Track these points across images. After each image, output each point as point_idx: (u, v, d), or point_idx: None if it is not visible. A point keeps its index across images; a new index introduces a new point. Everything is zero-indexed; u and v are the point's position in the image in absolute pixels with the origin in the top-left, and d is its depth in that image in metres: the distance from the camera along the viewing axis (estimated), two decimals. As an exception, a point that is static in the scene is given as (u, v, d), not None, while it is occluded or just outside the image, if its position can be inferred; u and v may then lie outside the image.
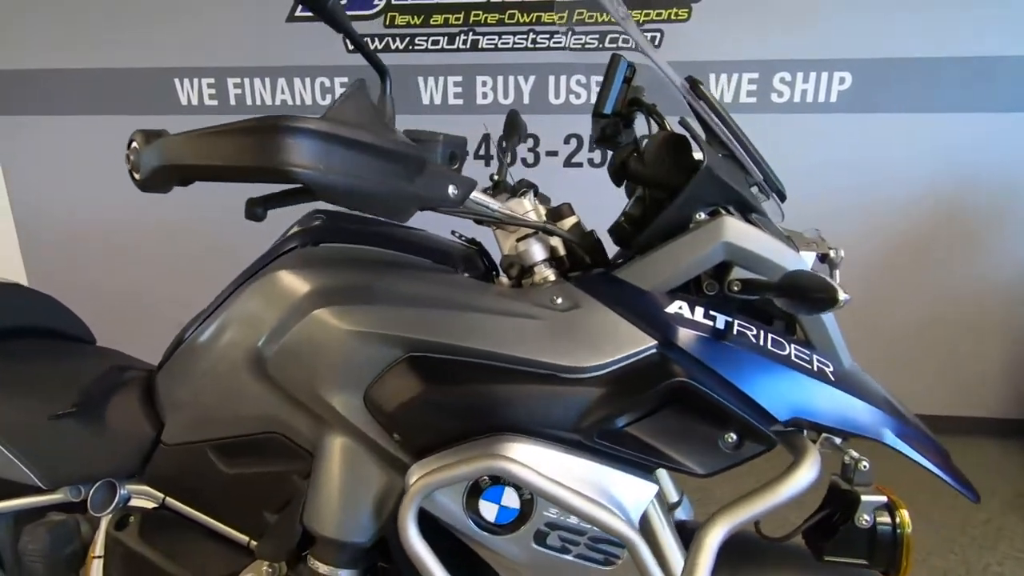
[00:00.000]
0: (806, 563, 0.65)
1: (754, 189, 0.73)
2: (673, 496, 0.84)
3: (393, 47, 2.32)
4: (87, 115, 2.52)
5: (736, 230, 0.59)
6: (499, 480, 0.53)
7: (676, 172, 0.60)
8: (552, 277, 0.66)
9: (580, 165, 2.37)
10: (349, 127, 0.40)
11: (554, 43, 2.26)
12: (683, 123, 0.63)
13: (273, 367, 0.64)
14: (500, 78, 2.30)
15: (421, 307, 0.60)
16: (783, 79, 2.18)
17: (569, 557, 0.55)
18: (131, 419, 0.79)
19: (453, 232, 0.85)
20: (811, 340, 0.62)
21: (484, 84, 2.32)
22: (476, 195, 0.65)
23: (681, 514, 0.84)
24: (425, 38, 2.29)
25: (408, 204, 0.47)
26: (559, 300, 0.61)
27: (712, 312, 0.59)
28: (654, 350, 0.57)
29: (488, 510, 0.54)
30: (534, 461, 0.53)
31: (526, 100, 2.32)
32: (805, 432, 0.61)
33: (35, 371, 0.86)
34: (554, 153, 2.36)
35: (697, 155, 0.59)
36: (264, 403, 0.67)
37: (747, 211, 0.62)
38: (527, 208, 0.73)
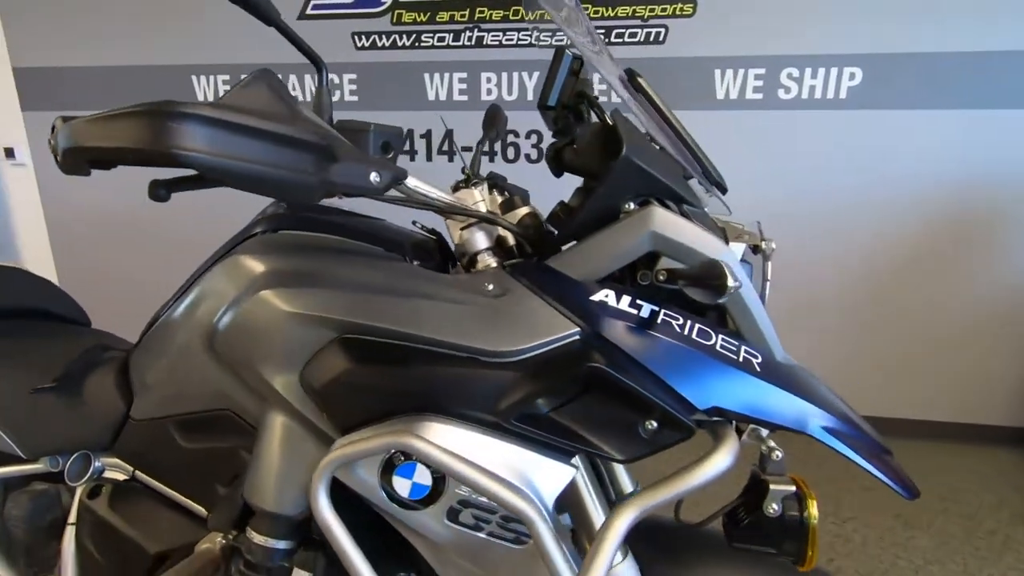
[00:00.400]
0: (719, 549, 0.66)
1: (701, 186, 0.73)
2: (628, 487, 0.84)
3: (400, 44, 2.36)
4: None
5: (663, 220, 0.59)
6: (411, 457, 0.55)
7: (605, 162, 0.60)
8: (494, 265, 0.67)
9: (583, 161, 2.36)
10: (239, 113, 0.43)
11: (556, 40, 2.25)
12: (614, 114, 0.64)
13: (221, 345, 0.67)
14: (504, 74, 2.32)
15: (356, 291, 0.63)
16: (791, 75, 2.14)
17: (482, 535, 0.56)
18: (105, 395, 0.83)
19: (414, 223, 0.87)
20: (741, 332, 0.62)
21: (489, 80, 2.34)
22: (416, 183, 0.67)
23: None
24: (431, 35, 2.32)
25: (312, 190, 0.49)
26: (490, 287, 0.62)
27: (638, 301, 0.60)
28: (577, 337, 0.58)
29: (401, 486, 0.56)
30: (448, 441, 0.54)
31: (530, 96, 2.33)
32: (734, 424, 0.61)
33: (23, 348, 0.92)
34: (557, 149, 2.36)
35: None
36: (216, 381, 0.70)
37: (678, 202, 0.63)
38: (476, 199, 0.74)
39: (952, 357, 2.30)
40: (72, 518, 0.82)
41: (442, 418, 0.56)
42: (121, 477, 0.82)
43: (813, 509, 0.57)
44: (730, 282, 0.48)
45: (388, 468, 0.56)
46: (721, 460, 0.55)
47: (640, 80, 0.71)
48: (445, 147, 2.45)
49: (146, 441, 0.79)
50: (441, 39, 2.32)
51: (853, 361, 2.38)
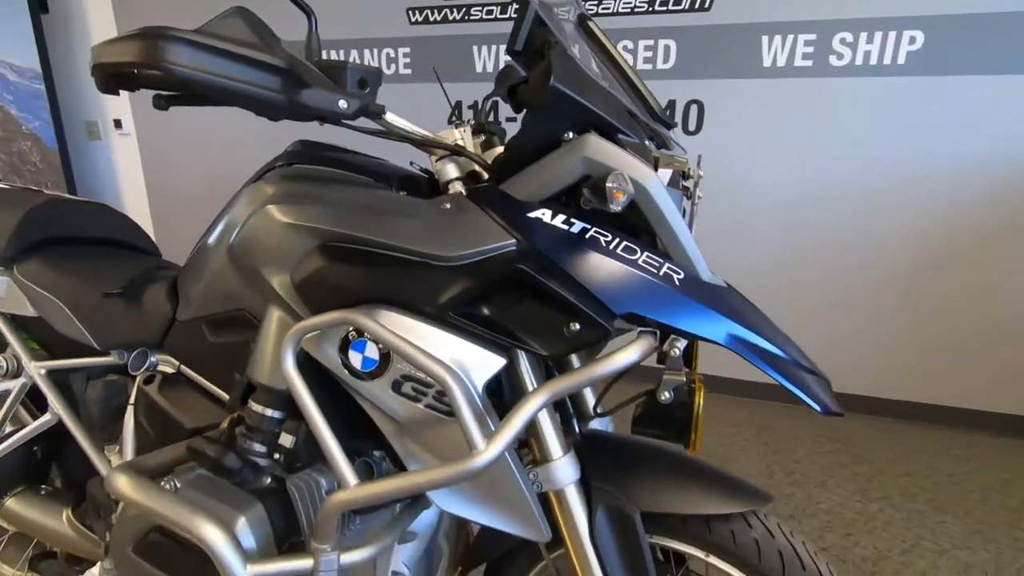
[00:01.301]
0: (650, 457, 0.73)
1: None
2: (590, 402, 0.92)
3: (451, 18, 2.47)
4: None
5: (595, 146, 0.66)
6: (363, 335, 0.67)
7: (543, 93, 0.68)
8: (461, 191, 0.77)
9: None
10: (217, 38, 0.54)
11: (603, 9, 2.28)
12: (552, 51, 0.70)
13: (236, 254, 0.81)
14: (549, 45, 2.37)
15: (338, 208, 0.74)
16: (844, 40, 2.05)
17: (420, 405, 0.67)
18: (159, 303, 1.01)
19: (412, 163, 0.98)
20: (668, 252, 0.68)
21: (533, 52, 2.40)
22: (395, 119, 0.78)
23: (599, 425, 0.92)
24: (480, 8, 2.41)
25: (280, 107, 0.60)
26: (447, 206, 0.72)
27: (572, 219, 0.67)
28: (513, 247, 0.67)
29: (355, 359, 0.68)
30: (394, 324, 0.65)
31: (573, 67, 2.38)
32: (658, 334, 0.67)
33: (101, 264, 1.12)
34: (599, 119, 2.40)
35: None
36: (234, 286, 0.85)
37: (614, 132, 0.69)
38: (456, 137, 0.84)
39: (1008, 346, 2.15)
40: (132, 400, 1.01)
41: (394, 308, 0.67)
42: (169, 370, 0.99)
43: (699, 398, 0.63)
44: (607, 184, 0.55)
45: (345, 345, 0.68)
46: (628, 355, 0.63)
47: (590, 23, 0.78)
48: (493, 118, 2.54)
49: (186, 339, 0.95)
50: (489, 12, 2.41)
51: (901, 345, 2.27)
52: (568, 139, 0.69)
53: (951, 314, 2.19)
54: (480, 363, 0.67)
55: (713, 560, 0.77)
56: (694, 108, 2.28)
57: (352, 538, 0.75)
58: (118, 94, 0.60)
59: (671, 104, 2.30)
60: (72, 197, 1.27)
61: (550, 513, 0.76)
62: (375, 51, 2.61)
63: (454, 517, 0.96)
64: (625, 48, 2.29)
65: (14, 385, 1.10)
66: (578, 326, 0.65)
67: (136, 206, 3.32)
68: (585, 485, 0.77)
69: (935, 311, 2.20)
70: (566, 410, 0.91)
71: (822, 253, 2.29)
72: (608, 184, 0.57)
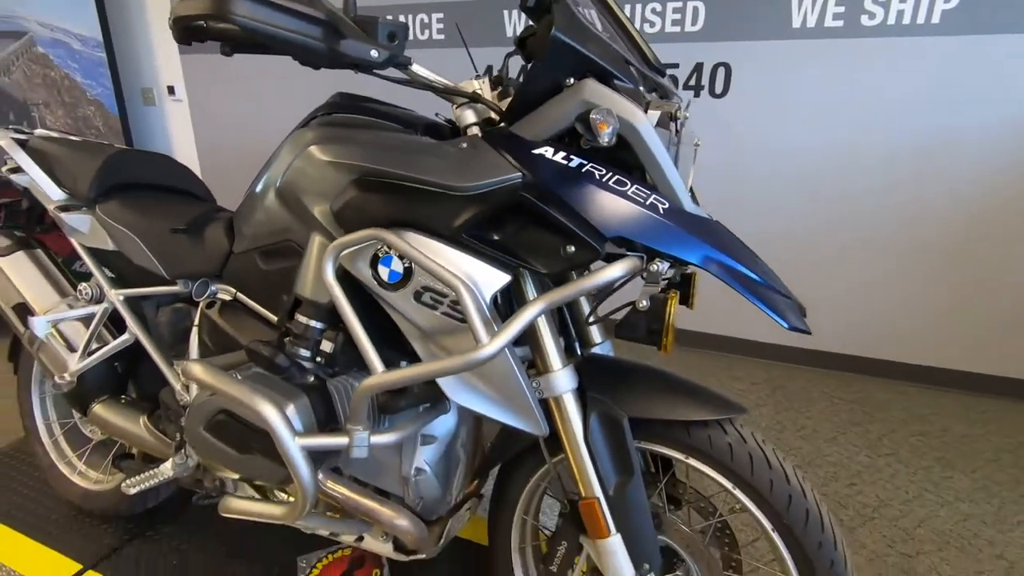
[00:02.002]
0: (639, 376, 0.84)
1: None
2: (597, 339, 1.02)
3: (483, -17, 2.52)
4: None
5: (592, 90, 0.75)
6: (389, 251, 0.79)
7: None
8: (477, 133, 0.87)
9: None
10: None
11: (631, -29, 2.30)
12: (556, 3, 0.78)
13: (284, 191, 0.94)
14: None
15: (370, 148, 0.86)
16: (876, -1, 2.03)
17: (437, 312, 0.79)
18: (218, 238, 1.15)
19: (436, 114, 1.08)
20: (656, 185, 0.77)
21: (563, 15, 2.44)
22: (420, 70, 0.88)
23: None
24: (512, -28, 2.46)
25: (322, 55, 0.71)
26: (464, 145, 0.82)
27: (571, 156, 0.77)
28: (519, 179, 0.77)
29: (383, 272, 0.80)
30: (416, 243, 0.77)
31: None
32: (646, 259, 0.77)
33: (169, 207, 1.27)
34: (626, 83, 2.44)
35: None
36: (282, 220, 0.98)
37: (610, 79, 0.78)
38: (475, 87, 0.94)
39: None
40: (196, 323, 1.17)
41: (417, 230, 0.79)
42: (227, 297, 1.14)
43: (671, 307, 0.73)
44: (591, 116, 0.65)
45: (375, 261, 0.80)
46: (614, 271, 0.73)
47: (590, -22, 0.85)
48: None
49: (241, 269, 1.10)
50: (520, -24, 2.45)
51: (927, 311, 2.28)
52: (569, 84, 0.78)
53: (980, 282, 2.18)
54: (488, 278, 0.78)
55: (692, 462, 0.87)
56: (721, 71, 2.29)
57: (381, 429, 0.88)
58: (190, 44, 0.72)
59: (698, 67, 2.32)
60: (141, 150, 1.43)
61: (551, 419, 0.88)
62: (409, 16, 2.69)
63: (470, 428, 1.09)
64: (653, 10, 2.31)
65: (98, 309, 1.28)
66: (573, 248, 0.76)
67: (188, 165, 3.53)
68: (582, 397, 0.88)
69: (964, 279, 2.20)
70: (570, 336, 1.02)
71: (850, 219, 2.30)
72: (592, 116, 0.67)
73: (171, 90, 3.45)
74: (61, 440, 1.57)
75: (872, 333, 2.39)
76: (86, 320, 1.28)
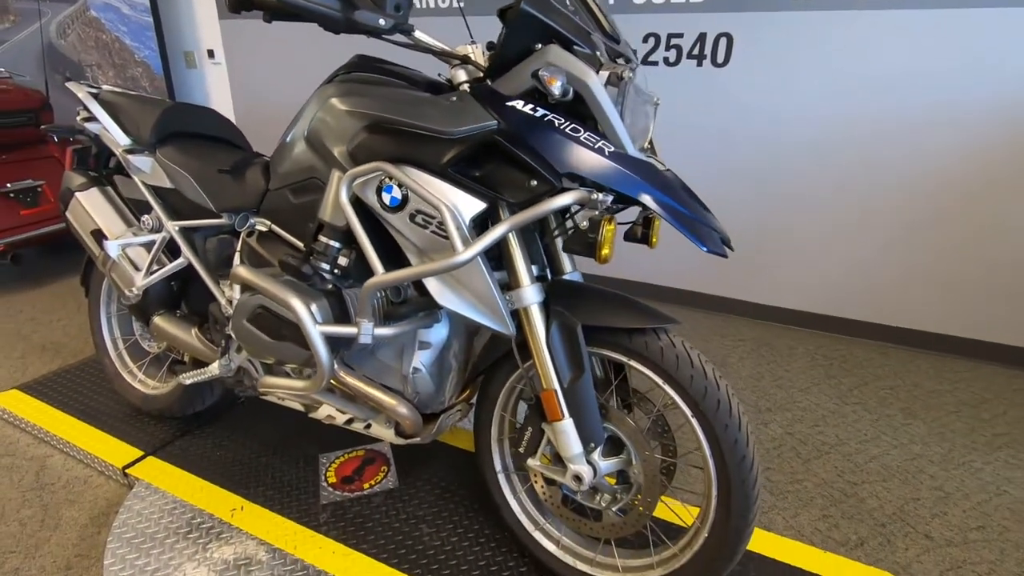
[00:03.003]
0: (597, 297, 1.05)
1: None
2: (567, 267, 1.22)
3: (501, -47, 2.65)
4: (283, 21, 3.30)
5: (555, 54, 0.93)
6: (391, 180, 1.00)
7: (519, 14, 0.95)
8: (466, 88, 1.06)
9: (655, 63, 2.55)
10: None
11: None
12: None
13: (311, 136, 1.15)
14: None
15: (379, 99, 1.06)
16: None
17: (427, 231, 1.00)
18: (257, 177, 1.37)
19: (439, 74, 1.27)
20: (604, 133, 0.96)
21: (575, -15, 2.57)
22: (422, 35, 1.07)
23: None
24: (528, -57, 2.58)
25: (339, 22, 0.91)
26: (454, 98, 1.02)
27: (537, 107, 0.96)
28: (494, 125, 0.96)
29: (386, 198, 1.01)
30: (412, 174, 0.98)
31: (612, 1, 2.53)
32: (597, 196, 0.96)
33: (216, 152, 1.50)
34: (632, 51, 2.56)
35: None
36: (308, 160, 1.19)
37: (570, 45, 0.95)
38: (468, 51, 1.12)
39: (1010, 280, 2.24)
40: (238, 250, 1.41)
41: (412, 165, 1.00)
42: (264, 228, 1.37)
43: (604, 226, 0.92)
44: (546, 74, 0.83)
45: (379, 190, 1.01)
46: (565, 198, 0.92)
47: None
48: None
49: (275, 204, 1.32)
50: (536, -53, 2.58)
51: (916, 276, 2.40)
52: (537, 49, 0.96)
53: (971, 249, 2.29)
54: (467, 204, 0.98)
55: (633, 363, 1.07)
56: (723, 41, 2.40)
57: (383, 324, 1.11)
58: (239, 13, 0.92)
59: (701, 37, 2.43)
60: (191, 103, 1.66)
61: (521, 327, 1.09)
62: (432, -15, 2.84)
63: (462, 342, 1.31)
64: (661, -19, 2.42)
65: (157, 237, 1.53)
66: (535, 182, 0.95)
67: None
68: (547, 309, 1.08)
69: (957, 246, 2.30)
70: (543, 266, 1.22)
71: (849, 187, 2.41)
72: (541, 72, 0.85)
73: (211, 53, 3.68)
74: (124, 353, 1.85)
75: (862, 295, 2.53)
76: (148, 246, 1.53)
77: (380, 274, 1.02)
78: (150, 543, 1.35)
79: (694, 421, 1.03)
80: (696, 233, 0.94)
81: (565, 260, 1.22)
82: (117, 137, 1.52)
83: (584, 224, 0.93)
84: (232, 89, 3.67)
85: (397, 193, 1.01)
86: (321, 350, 1.06)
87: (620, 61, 1.03)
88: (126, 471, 1.60)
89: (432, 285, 1.03)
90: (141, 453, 1.66)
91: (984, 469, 1.77)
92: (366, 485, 1.54)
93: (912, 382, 2.25)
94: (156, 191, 1.52)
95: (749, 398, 2.11)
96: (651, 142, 1.14)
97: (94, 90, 1.59)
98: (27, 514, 1.51)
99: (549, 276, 1.20)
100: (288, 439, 1.73)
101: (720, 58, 2.43)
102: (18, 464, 1.70)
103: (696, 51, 2.46)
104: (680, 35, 2.46)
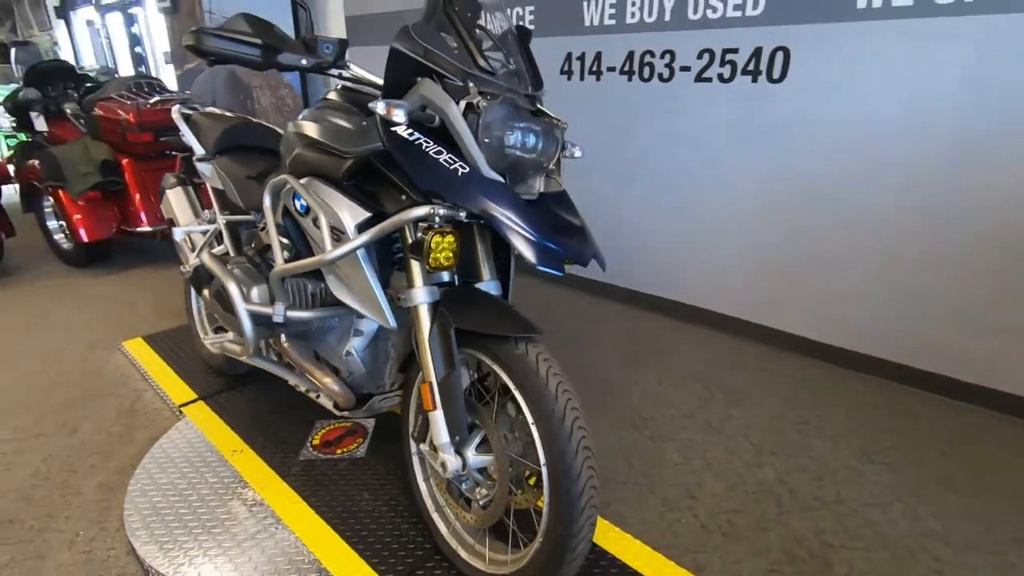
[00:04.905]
0: (484, 301, 1.16)
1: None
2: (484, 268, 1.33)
3: (568, -24, 2.77)
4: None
5: (426, 86, 1.07)
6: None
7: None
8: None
9: (709, 80, 2.46)
10: (226, 30, 1.09)
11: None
12: (406, 25, 1.10)
13: (281, 148, 1.43)
14: (647, -3, 2.54)
15: (315, 124, 1.29)
16: (953, -26, 1.84)
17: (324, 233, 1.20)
18: (271, 184, 1.69)
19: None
20: (464, 155, 1.06)
21: (633, 4, 2.59)
22: (355, 69, 1.28)
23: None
24: (591, -34, 2.67)
25: (259, 65, 1.14)
26: (364, 123, 1.20)
27: (413, 132, 1.10)
28: (380, 147, 1.13)
29: (298, 204, 1.23)
30: (317, 186, 1.19)
31: (667, 17, 2.51)
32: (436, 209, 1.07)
33: (253, 161, 1.85)
34: (687, 68, 2.51)
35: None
36: (281, 169, 1.47)
37: (441, 79, 1.08)
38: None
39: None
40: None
41: (320, 178, 1.20)
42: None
43: (435, 236, 1.02)
44: (396, 116, 0.98)
45: (295, 197, 1.24)
46: (416, 212, 1.06)
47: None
48: (594, 68, 2.82)
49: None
50: (598, -31, 2.65)
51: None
52: (416, 81, 1.10)
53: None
54: (354, 212, 1.16)
55: (495, 367, 1.16)
56: (779, 55, 2.25)
57: (298, 308, 1.35)
58: (197, 59, 1.21)
59: (757, 51, 2.30)
60: (255, 120, 2.05)
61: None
62: (508, 10, 3.05)
63: (401, 333, 1.47)
64: (716, -4, 2.35)
65: (213, 227, 1.93)
66: (404, 196, 1.10)
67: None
68: (438, 311, 1.21)
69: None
70: (453, 273, 1.33)
71: (926, 216, 2.11)
72: (380, 104, 1.00)
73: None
74: (204, 319, 2.33)
75: (942, 345, 2.17)
76: (204, 233, 1.95)
77: (279, 265, 1.24)
78: (170, 465, 1.73)
79: (534, 428, 1.08)
80: (527, 247, 1.01)
81: (484, 270, 1.32)
82: (195, 148, 1.95)
83: (418, 236, 1.05)
84: (352, 106, 4.26)
85: (303, 202, 1.23)
86: (246, 323, 1.32)
87: (492, 90, 1.12)
88: (181, 409, 2.03)
89: (329, 279, 1.22)
90: (195, 397, 2.10)
91: (1018, 566, 1.47)
92: (339, 451, 1.79)
93: (977, 451, 1.90)
94: (215, 191, 1.92)
95: (753, 437, 1.96)
96: (558, 162, 1.22)
97: (188, 111, 2.06)
98: (115, 430, 2.01)
99: (456, 280, 1.32)
100: (298, 404, 2.04)
101: (776, 73, 2.28)
102: (124, 393, 2.24)
103: (752, 66, 2.34)
104: (735, 50, 2.36)
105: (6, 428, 2.02)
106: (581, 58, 2.85)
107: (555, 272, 1.01)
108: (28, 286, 3.44)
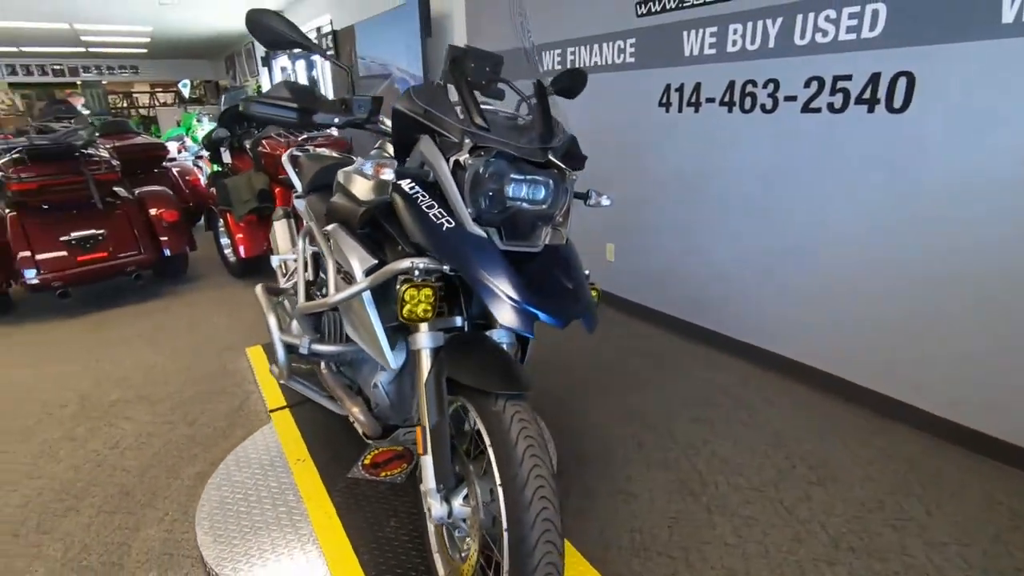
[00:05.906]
0: (481, 346, 1.17)
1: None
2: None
3: (668, 7, 2.67)
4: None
5: (424, 144, 1.12)
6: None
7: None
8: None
9: (818, 111, 2.20)
10: (270, 96, 1.23)
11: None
12: (412, 87, 1.15)
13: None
14: (750, 23, 2.35)
15: (352, 174, 1.40)
16: None
17: (339, 275, 1.29)
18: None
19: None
20: (452, 209, 1.09)
21: (735, 32, 2.41)
22: (387, 122, 1.38)
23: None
24: (692, -6, 2.55)
25: (296, 125, 1.26)
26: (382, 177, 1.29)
27: (415, 186, 1.15)
28: (387, 200, 1.20)
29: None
30: (337, 233, 1.29)
31: (771, 44, 2.29)
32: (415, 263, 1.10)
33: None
34: (792, 98, 2.27)
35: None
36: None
37: (438, 136, 1.11)
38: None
39: None
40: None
41: (340, 225, 1.31)
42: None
43: (408, 288, 1.04)
44: (384, 175, 1.03)
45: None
46: (402, 264, 1.10)
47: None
48: (693, 99, 2.67)
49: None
50: (699, -2, 2.52)
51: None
52: (419, 139, 1.16)
53: None
54: (362, 257, 1.24)
55: (477, 421, 1.14)
56: (902, 81, 1.93)
57: (324, 342, 1.46)
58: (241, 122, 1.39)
59: (874, 78, 2.00)
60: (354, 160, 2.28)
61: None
62: (610, 44, 3.02)
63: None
64: (827, 18, 2.09)
65: (299, 256, 2.18)
66: (400, 247, 1.16)
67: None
68: (438, 357, 1.24)
69: None
70: (457, 313, 1.34)
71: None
72: (367, 163, 1.06)
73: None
74: (304, 334, 2.63)
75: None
76: (294, 261, 2.21)
77: (300, 303, 1.36)
78: (246, 464, 1.97)
79: (500, 490, 1.05)
80: (499, 310, 1.00)
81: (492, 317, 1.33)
82: (297, 186, 2.23)
83: (397, 288, 1.08)
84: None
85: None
86: (280, 351, 1.46)
87: (489, 145, 1.12)
88: (270, 413, 2.30)
89: (344, 319, 1.32)
90: (284, 404, 2.36)
91: None
92: (383, 473, 1.89)
93: (796, 428, 1.42)
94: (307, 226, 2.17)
95: (831, 526, 1.68)
96: (566, 213, 1.19)
97: (298, 153, 2.36)
98: (220, 425, 2.34)
99: (466, 326, 1.33)
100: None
101: (898, 102, 1.97)
102: (237, 393, 2.60)
103: (868, 95, 2.04)
104: (847, 77, 2.08)
105: (150, 412, 2.45)
106: (680, 89, 2.72)
107: (525, 333, 0.98)
108: (198, 293, 4.16)
